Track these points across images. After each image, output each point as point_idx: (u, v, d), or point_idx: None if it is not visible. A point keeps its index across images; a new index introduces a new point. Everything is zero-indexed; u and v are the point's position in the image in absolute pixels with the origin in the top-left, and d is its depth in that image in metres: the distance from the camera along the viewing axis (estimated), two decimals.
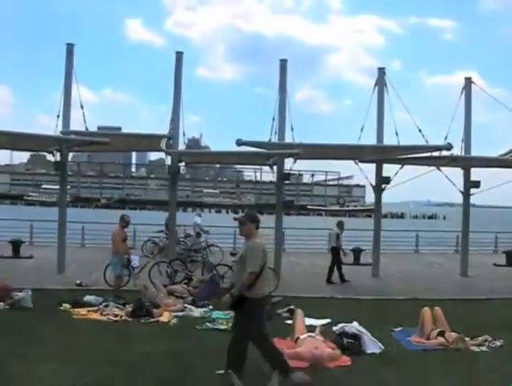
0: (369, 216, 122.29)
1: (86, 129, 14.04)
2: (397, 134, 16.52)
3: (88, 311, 10.64)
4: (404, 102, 16.72)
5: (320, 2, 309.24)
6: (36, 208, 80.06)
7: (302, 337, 8.04)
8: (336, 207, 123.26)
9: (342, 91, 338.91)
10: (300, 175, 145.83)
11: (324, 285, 15.53)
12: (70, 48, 15.99)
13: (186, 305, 10.90)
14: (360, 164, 17.45)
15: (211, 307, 11.06)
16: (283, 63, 16.87)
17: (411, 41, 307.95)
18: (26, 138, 14.02)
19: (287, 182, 18.38)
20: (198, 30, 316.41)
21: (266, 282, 6.75)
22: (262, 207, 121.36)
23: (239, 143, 14.27)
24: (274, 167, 16.63)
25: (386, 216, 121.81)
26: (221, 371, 6.54)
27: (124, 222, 12.03)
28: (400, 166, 17.32)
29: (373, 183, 17.22)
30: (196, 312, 10.50)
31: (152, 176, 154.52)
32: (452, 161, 15.64)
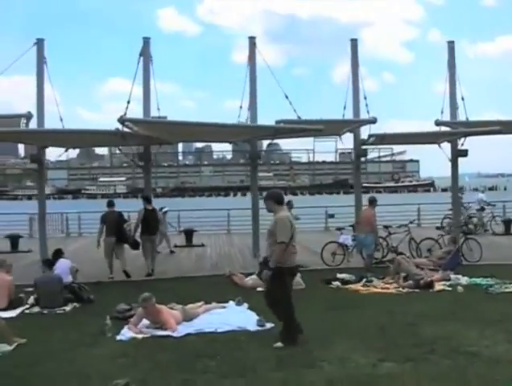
0: (428, 191, 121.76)
1: (298, 117, 14.87)
2: None
3: (368, 287, 11.27)
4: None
5: None
6: (100, 201, 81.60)
7: None
8: (392, 184, 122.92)
9: (382, 66, 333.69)
10: (350, 154, 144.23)
11: None
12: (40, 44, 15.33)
13: (451, 274, 11.78)
14: None
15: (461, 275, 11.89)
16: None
17: (450, 9, 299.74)
18: (244, 129, 15.09)
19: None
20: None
21: (294, 254, 7.33)
22: (317, 188, 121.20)
23: (438, 123, 15.26)
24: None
25: (446, 190, 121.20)
26: None
27: (374, 203, 13.20)
28: None
29: None
30: (463, 280, 11.35)
31: (205, 162, 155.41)
32: None
